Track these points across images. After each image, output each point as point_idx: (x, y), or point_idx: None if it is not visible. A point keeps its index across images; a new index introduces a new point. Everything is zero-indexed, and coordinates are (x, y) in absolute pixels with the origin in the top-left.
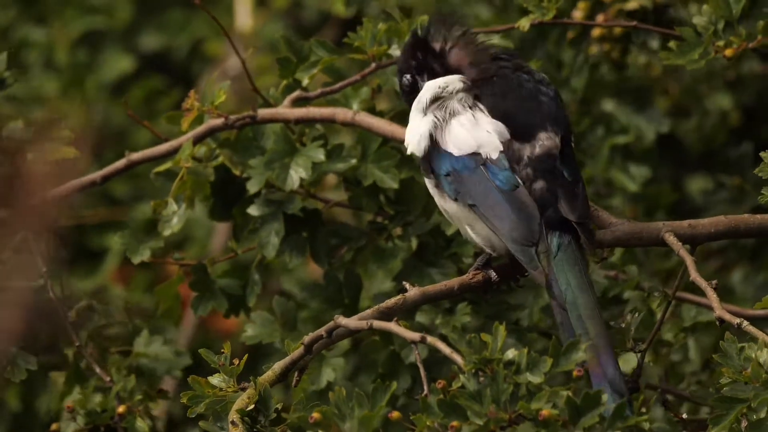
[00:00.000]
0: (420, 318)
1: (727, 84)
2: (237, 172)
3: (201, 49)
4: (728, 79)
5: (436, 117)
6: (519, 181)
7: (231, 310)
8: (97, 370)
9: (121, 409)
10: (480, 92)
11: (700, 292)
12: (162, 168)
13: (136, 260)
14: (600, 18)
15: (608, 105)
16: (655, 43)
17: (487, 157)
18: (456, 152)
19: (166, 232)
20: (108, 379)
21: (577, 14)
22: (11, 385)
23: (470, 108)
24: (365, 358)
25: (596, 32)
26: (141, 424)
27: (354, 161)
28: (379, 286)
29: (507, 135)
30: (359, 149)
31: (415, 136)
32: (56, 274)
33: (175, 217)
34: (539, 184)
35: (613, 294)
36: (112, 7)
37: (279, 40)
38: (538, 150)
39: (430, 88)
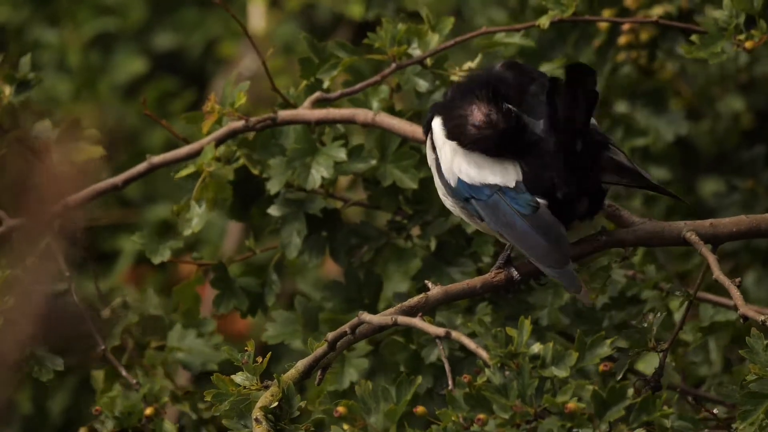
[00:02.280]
0: (440, 318)
1: (740, 87)
2: (256, 172)
3: (215, 50)
4: (741, 82)
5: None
6: (537, 200)
7: (250, 309)
8: (123, 372)
9: (148, 411)
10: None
11: (719, 292)
12: (184, 173)
13: (156, 260)
14: (625, 27)
15: (627, 107)
16: (681, 50)
17: (504, 185)
18: (471, 181)
19: (186, 232)
20: (135, 381)
21: (603, 23)
22: (23, 388)
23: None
24: (385, 359)
25: (623, 40)
26: (169, 426)
27: (374, 161)
28: (398, 285)
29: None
30: (378, 149)
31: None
32: (82, 275)
33: (195, 218)
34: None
35: (631, 294)
36: (126, 7)
37: (301, 40)
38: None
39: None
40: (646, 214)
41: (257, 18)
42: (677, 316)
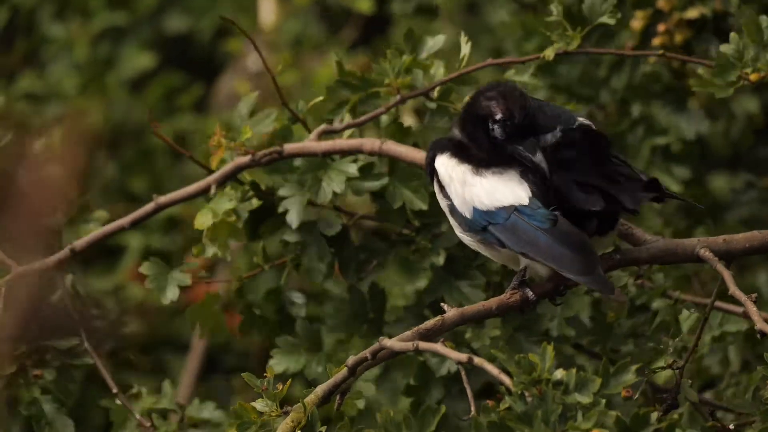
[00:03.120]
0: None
1: (753, 87)
2: (264, 187)
3: (222, 42)
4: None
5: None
6: (553, 213)
7: (271, 335)
8: (137, 416)
9: None
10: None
11: (728, 299)
12: (201, 223)
13: (165, 301)
14: (661, 27)
15: (647, 106)
16: (715, 52)
17: (518, 204)
18: (485, 207)
19: (204, 256)
20: (149, 424)
21: (635, 24)
22: (23, 389)
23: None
24: (392, 370)
25: (657, 41)
26: None
27: (386, 179)
28: (406, 299)
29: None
30: (388, 168)
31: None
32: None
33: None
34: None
35: (640, 302)
36: None
37: (308, 35)
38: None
39: (443, 164)
40: (662, 213)
41: (267, 12)
42: (685, 327)
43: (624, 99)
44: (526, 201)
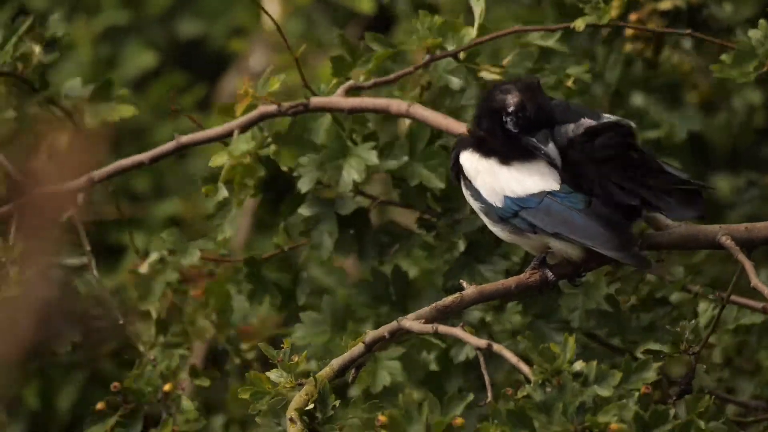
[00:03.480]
0: (469, 317)
1: (757, 80)
2: (285, 169)
3: (227, 44)
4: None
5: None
6: (587, 197)
7: (284, 303)
8: (141, 348)
9: (166, 387)
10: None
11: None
12: (217, 161)
13: (186, 262)
14: (633, 17)
15: (640, 100)
16: (687, 43)
17: (550, 189)
18: (516, 195)
19: (220, 237)
20: (152, 357)
21: (612, 12)
22: (29, 383)
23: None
24: (413, 355)
25: (629, 31)
26: (187, 403)
27: (405, 158)
28: (428, 284)
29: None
30: (407, 147)
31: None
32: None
33: (227, 223)
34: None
35: (660, 295)
36: None
37: (312, 35)
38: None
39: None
40: None
41: (271, 11)
42: (703, 320)
43: (617, 92)
44: (557, 187)
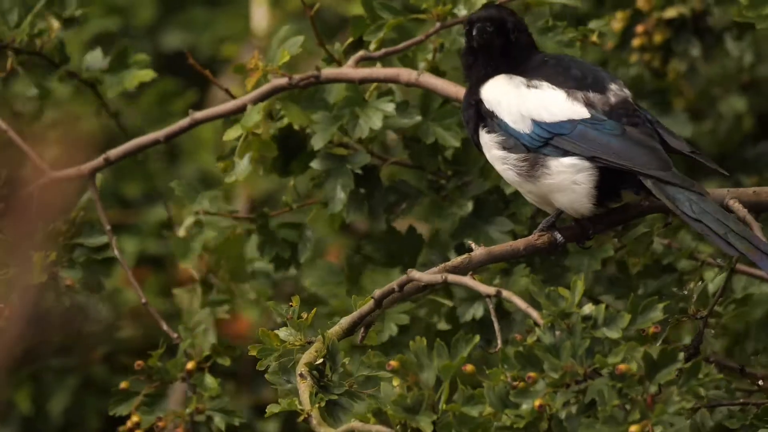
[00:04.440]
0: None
1: (741, 87)
2: (297, 127)
3: (218, 51)
4: (742, 83)
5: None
6: (622, 126)
7: (292, 257)
8: (164, 327)
9: (190, 365)
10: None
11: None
12: (231, 135)
13: (195, 208)
14: (639, 28)
15: None
16: (696, 51)
17: (581, 118)
18: (549, 119)
19: (230, 180)
20: (176, 335)
21: (615, 25)
22: (21, 388)
23: (531, 86)
24: (418, 316)
25: (637, 42)
26: (210, 380)
27: (419, 118)
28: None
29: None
30: (421, 108)
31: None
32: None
33: (239, 167)
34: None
35: (667, 262)
36: (135, 6)
37: (304, 39)
38: (614, 100)
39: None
40: None
41: (260, 18)
42: (711, 287)
43: None
44: (588, 115)
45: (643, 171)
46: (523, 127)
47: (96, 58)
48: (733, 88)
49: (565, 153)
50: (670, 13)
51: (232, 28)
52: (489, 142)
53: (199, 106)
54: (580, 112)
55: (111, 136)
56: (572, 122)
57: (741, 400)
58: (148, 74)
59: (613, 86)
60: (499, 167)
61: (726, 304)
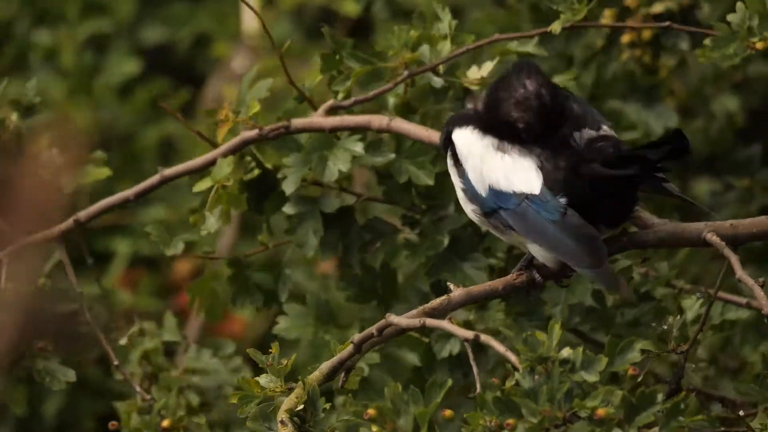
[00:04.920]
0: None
1: (734, 86)
2: (269, 165)
3: (207, 48)
4: (735, 81)
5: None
6: (563, 206)
7: (265, 303)
8: (137, 389)
9: (165, 423)
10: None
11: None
12: (201, 187)
13: (170, 252)
14: (626, 34)
15: (617, 102)
16: (685, 45)
17: (529, 193)
18: (499, 188)
19: (203, 233)
20: (149, 397)
21: (604, 22)
22: (15, 390)
23: (499, 150)
24: (395, 354)
25: (626, 38)
26: None
27: (392, 155)
28: (413, 281)
29: (539, 169)
30: (394, 144)
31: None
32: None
33: (212, 218)
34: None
35: (644, 290)
36: (115, 2)
37: (294, 39)
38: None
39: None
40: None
41: (251, 17)
42: (689, 315)
43: (593, 95)
44: (537, 191)
45: (572, 266)
46: (482, 190)
47: (53, 155)
48: (725, 86)
49: (509, 226)
50: (657, 8)
51: (214, 23)
52: (455, 181)
53: (191, 105)
54: (532, 185)
55: (106, 137)
56: (519, 197)
57: (722, 429)
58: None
59: (595, 132)
60: (463, 207)
61: (704, 331)
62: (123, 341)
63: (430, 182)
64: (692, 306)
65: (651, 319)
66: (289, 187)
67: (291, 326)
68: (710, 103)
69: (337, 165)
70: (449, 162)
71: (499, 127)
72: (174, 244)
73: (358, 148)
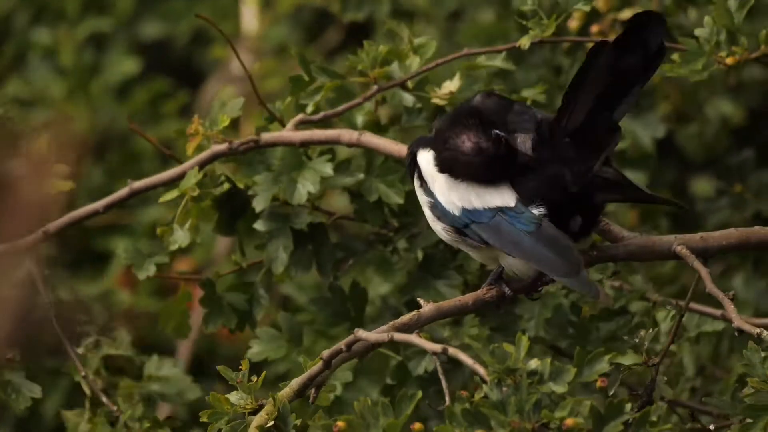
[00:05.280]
0: (426, 329)
1: (728, 90)
2: (241, 186)
3: (204, 45)
4: (729, 85)
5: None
6: (538, 215)
7: (238, 325)
8: (104, 399)
9: None
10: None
11: (703, 301)
12: (168, 197)
13: (142, 276)
14: (594, 28)
15: None
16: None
17: (504, 206)
18: (471, 206)
19: (173, 247)
20: (115, 408)
21: (573, 23)
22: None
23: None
24: (369, 369)
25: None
26: None
27: (361, 176)
28: (385, 298)
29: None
30: (364, 163)
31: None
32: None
33: (180, 234)
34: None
35: (619, 305)
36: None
37: (293, 42)
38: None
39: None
40: (627, 220)
41: (249, 19)
42: (663, 327)
43: None
44: (512, 204)
45: (550, 275)
46: (452, 209)
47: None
48: (720, 90)
49: (483, 240)
50: (626, 14)
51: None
52: (422, 201)
53: (190, 106)
54: (505, 199)
55: (105, 136)
56: (493, 210)
57: None
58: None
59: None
60: (432, 226)
61: (679, 342)
62: (79, 350)
63: (400, 201)
64: (666, 318)
65: (626, 333)
66: (259, 205)
67: (263, 350)
68: (704, 107)
69: (306, 187)
70: (416, 183)
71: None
72: (146, 267)
73: (327, 169)
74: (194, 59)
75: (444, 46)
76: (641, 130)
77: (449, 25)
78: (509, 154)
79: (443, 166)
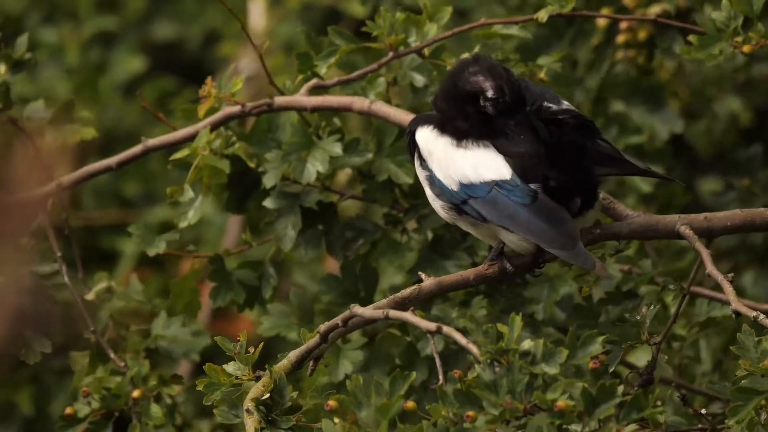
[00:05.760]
0: (435, 311)
1: (737, 87)
2: (252, 165)
3: (214, 47)
4: (738, 82)
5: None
6: (534, 189)
7: (247, 302)
8: (112, 355)
9: (135, 393)
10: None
11: (716, 287)
12: (179, 155)
13: (152, 252)
14: (623, 25)
15: (622, 105)
16: (678, 48)
17: (500, 179)
18: (468, 181)
19: (183, 224)
20: (123, 364)
21: (600, 21)
22: (23, 388)
23: (460, 147)
24: (380, 350)
25: (621, 38)
26: (155, 409)
27: (370, 155)
28: (392, 279)
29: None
30: (374, 143)
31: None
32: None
33: (191, 210)
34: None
35: (627, 288)
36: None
37: (299, 34)
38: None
39: (424, 137)
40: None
41: (258, 16)
42: (673, 311)
43: (599, 97)
44: (507, 177)
45: (547, 248)
46: (450, 184)
47: (38, 108)
48: (729, 87)
49: (481, 216)
50: (654, 9)
51: (223, 19)
52: (422, 178)
53: (197, 104)
54: (501, 172)
55: (110, 135)
56: (488, 185)
57: (699, 426)
58: (90, 132)
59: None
60: (432, 204)
61: (689, 327)
62: (90, 296)
63: (410, 180)
64: (672, 301)
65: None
66: (269, 181)
67: (274, 325)
68: (713, 104)
69: (315, 166)
70: (416, 162)
71: (457, 122)
72: (156, 244)
73: (337, 148)
74: (204, 59)
75: (453, 41)
76: (660, 125)
77: (456, 23)
78: (518, 105)
79: (445, 124)
